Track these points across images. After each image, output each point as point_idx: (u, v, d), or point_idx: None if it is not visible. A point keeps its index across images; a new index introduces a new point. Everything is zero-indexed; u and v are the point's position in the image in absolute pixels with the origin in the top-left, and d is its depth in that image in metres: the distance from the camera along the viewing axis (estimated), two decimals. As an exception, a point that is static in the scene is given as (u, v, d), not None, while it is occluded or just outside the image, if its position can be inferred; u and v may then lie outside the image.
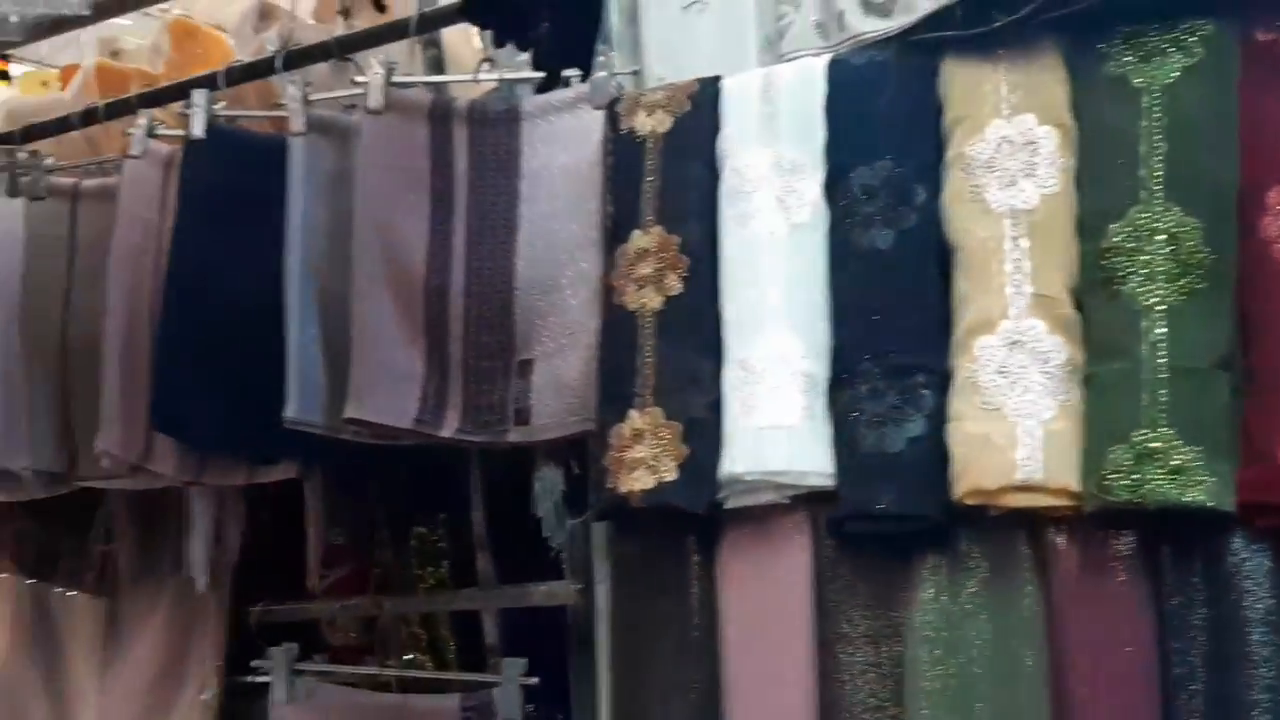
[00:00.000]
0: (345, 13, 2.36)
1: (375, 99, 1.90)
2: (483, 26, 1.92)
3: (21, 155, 2.31)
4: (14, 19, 2.61)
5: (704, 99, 1.73)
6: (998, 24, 1.53)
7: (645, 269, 1.70)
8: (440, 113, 1.95)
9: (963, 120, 1.56)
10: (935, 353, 1.53)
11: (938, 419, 1.51)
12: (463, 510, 2.12)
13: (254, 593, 2.24)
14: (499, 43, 1.89)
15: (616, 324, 1.72)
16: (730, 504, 1.62)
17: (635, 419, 1.65)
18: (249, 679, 2.13)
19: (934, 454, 1.50)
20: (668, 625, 1.69)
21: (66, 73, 2.73)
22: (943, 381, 1.52)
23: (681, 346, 1.66)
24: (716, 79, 1.74)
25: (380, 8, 2.33)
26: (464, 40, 2.33)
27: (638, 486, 1.62)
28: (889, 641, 1.58)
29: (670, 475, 1.61)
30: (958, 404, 1.50)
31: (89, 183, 2.29)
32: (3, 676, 2.45)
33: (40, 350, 2.23)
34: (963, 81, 1.58)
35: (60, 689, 2.43)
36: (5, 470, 2.21)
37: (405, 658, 2.20)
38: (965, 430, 1.48)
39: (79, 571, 2.40)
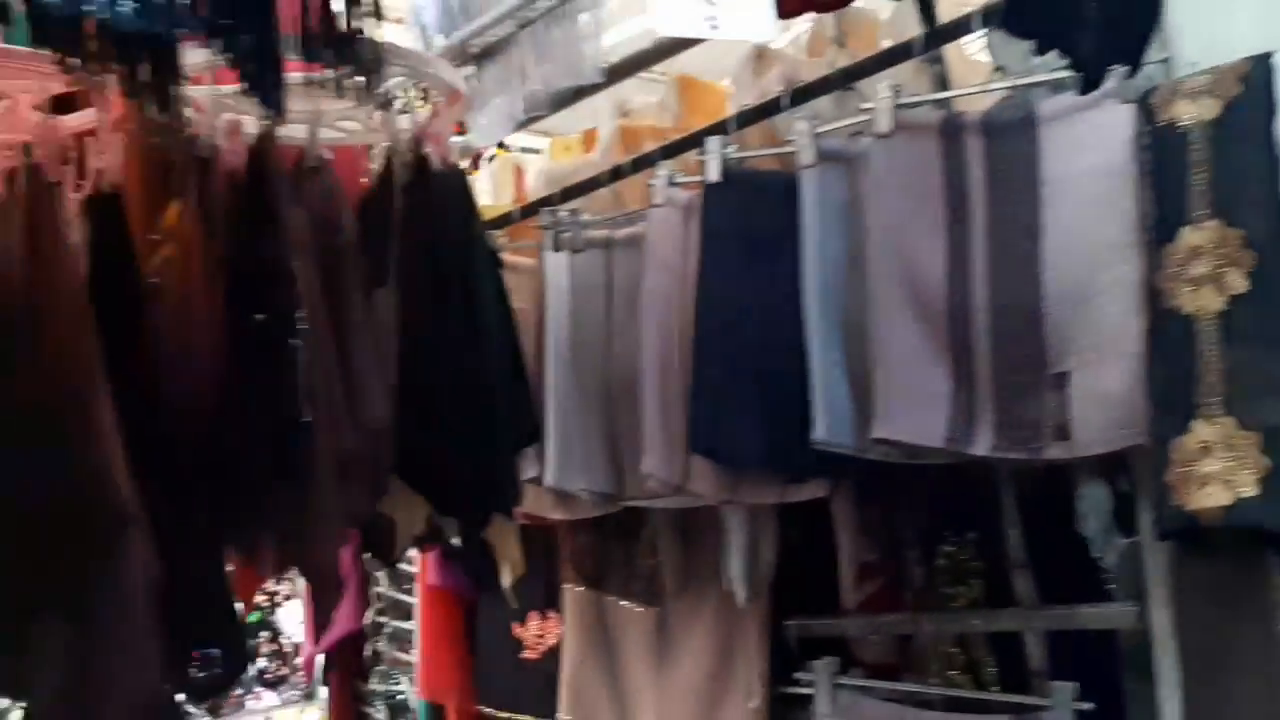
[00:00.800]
0: (840, 42, 2.41)
1: (884, 122, 1.92)
2: (1024, 36, 1.87)
3: (562, 214, 2.56)
4: (543, 94, 2.93)
5: (1258, 78, 1.57)
6: None
7: (1200, 268, 1.57)
8: (950, 128, 1.93)
9: None
10: None
11: None
12: (993, 528, 2.07)
13: (790, 607, 2.33)
14: (1041, 51, 1.84)
15: (1168, 329, 1.60)
16: (1326, 522, 1.46)
17: (1201, 430, 1.53)
18: (790, 690, 2.21)
19: None
20: (1252, 658, 1.54)
21: (588, 136, 3.03)
22: None
23: (1252, 349, 1.51)
24: (1269, 55, 1.58)
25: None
26: (959, 53, 2.30)
27: (1211, 504, 1.50)
28: None
29: (1250, 491, 1.47)
30: None
31: (620, 233, 2.50)
32: (576, 678, 2.74)
33: (588, 385, 2.45)
34: None
35: (622, 690, 2.66)
36: (565, 491, 2.45)
37: (947, 675, 2.18)
38: None
39: (628, 583, 2.62)
